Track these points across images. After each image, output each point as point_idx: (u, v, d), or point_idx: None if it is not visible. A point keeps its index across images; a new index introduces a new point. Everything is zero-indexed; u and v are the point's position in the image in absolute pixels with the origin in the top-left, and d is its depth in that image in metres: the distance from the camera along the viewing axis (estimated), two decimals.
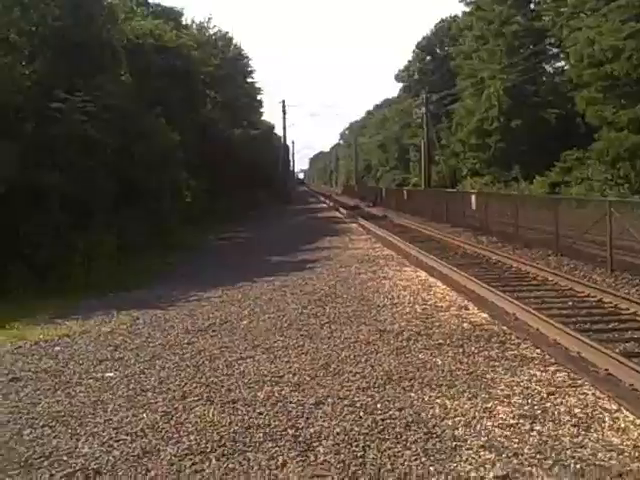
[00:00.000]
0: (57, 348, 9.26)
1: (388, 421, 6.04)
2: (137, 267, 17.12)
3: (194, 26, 44.84)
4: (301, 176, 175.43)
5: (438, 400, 6.52)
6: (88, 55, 19.46)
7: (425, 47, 74.27)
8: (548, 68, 48.90)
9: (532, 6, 49.46)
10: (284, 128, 68.95)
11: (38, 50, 19.07)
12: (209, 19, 49.17)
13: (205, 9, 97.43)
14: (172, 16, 36.66)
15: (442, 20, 73.08)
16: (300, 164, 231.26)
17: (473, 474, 5.00)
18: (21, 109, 17.44)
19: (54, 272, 15.13)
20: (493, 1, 50.44)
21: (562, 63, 47.27)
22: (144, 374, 7.79)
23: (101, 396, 7.08)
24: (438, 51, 71.97)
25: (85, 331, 10.32)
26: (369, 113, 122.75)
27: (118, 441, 5.85)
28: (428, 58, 73.92)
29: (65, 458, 5.55)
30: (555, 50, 46.96)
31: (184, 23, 40.49)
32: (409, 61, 78.70)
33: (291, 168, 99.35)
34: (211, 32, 48.80)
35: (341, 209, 47.49)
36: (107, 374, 7.88)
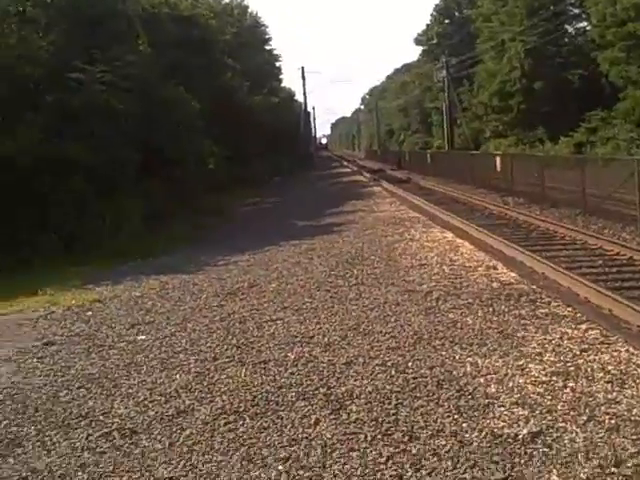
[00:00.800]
0: (89, 313, 9.39)
1: (419, 379, 6.02)
2: (163, 234, 17.23)
3: None
4: (324, 141, 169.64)
5: (469, 359, 6.49)
6: (104, 26, 19.43)
7: (443, 10, 73.09)
8: (570, 29, 47.98)
9: None
10: (304, 94, 68.73)
11: (54, 22, 19.02)
12: None
13: None
14: None
15: None
16: (322, 129, 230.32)
17: (506, 430, 4.97)
18: (41, 81, 17.48)
19: (82, 240, 15.32)
20: None
21: (584, 23, 46.37)
22: (175, 337, 7.87)
23: (134, 358, 7.16)
24: (457, 14, 70.84)
25: (116, 296, 10.45)
26: (389, 78, 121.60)
27: (152, 402, 5.92)
28: (447, 21, 72.77)
29: (101, 418, 5.64)
30: (576, 10, 46.06)
31: None
32: (428, 25, 77.52)
33: (313, 134, 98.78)
34: (227, 1, 48.47)
35: (365, 173, 47.25)
36: (139, 337, 7.97)
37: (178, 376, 6.51)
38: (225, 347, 7.31)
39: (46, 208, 15.61)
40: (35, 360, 7.33)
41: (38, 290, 11.05)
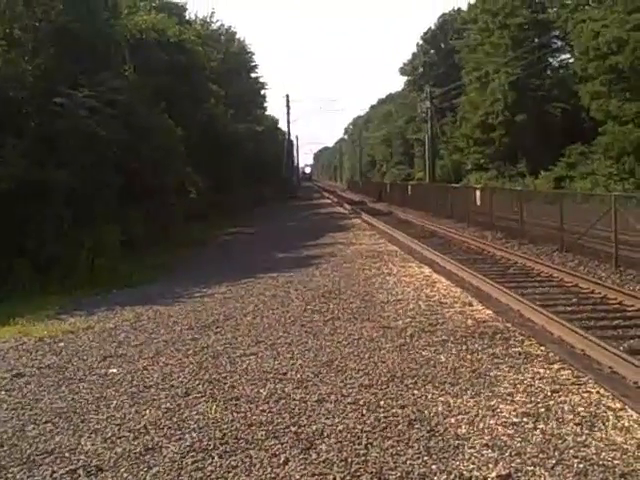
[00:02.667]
0: (61, 344, 9.28)
1: (391, 419, 6.01)
2: (141, 263, 17.13)
3: (197, 21, 44.75)
4: (308, 170, 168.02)
5: (441, 398, 6.49)
6: (91, 50, 19.46)
7: (430, 40, 74.03)
8: (553, 61, 48.78)
9: None
10: (288, 123, 69.05)
11: (41, 45, 19.03)
12: (212, 14, 49.26)
13: (208, 4, 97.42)
14: (175, 11, 36.53)
15: (446, 13, 72.96)
16: (304, 159, 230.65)
17: (476, 473, 4.97)
18: (25, 105, 17.43)
19: (58, 268, 15.15)
20: None
21: (567, 56, 47.17)
22: (147, 370, 7.80)
23: (104, 392, 7.09)
24: (442, 45, 71.75)
25: (89, 327, 10.35)
26: (373, 107, 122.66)
27: (120, 438, 5.85)
28: (432, 51, 73.67)
29: (67, 455, 5.56)
30: (560, 43, 46.87)
31: (187, 18, 40.38)
32: (413, 54, 78.51)
33: (296, 163, 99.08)
34: (214, 27, 48.81)
35: (345, 204, 47.45)
36: (110, 370, 7.88)
37: (148, 411, 6.45)
38: (197, 382, 7.26)
39: (24, 234, 15.47)
40: (3, 392, 7.22)
41: (9, 320, 10.92)
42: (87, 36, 19.14)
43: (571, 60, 45.41)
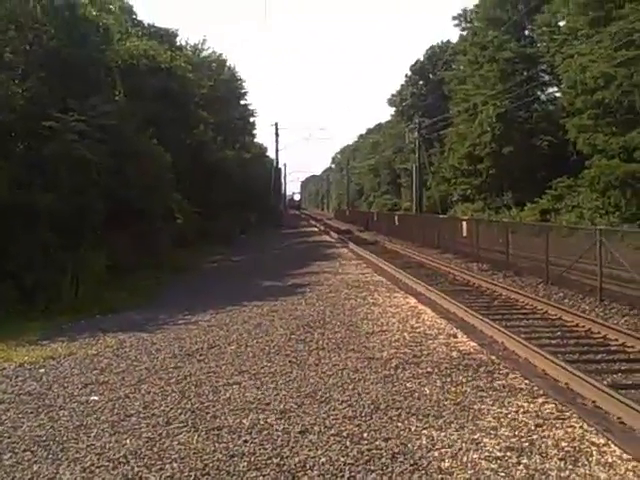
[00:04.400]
0: (42, 370, 9.18)
1: (374, 451, 5.97)
2: (126, 288, 17.02)
3: (188, 47, 44.99)
4: (297, 197, 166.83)
5: (425, 431, 6.46)
6: (82, 75, 19.52)
7: (418, 71, 74.71)
8: (541, 95, 49.28)
9: (526, 32, 49.94)
10: (276, 151, 69.07)
11: (32, 69, 19.06)
12: (203, 41, 49.41)
13: (200, 31, 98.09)
14: (166, 37, 36.80)
15: (435, 45, 73.74)
16: (292, 187, 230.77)
17: None
18: (13, 128, 17.42)
19: (42, 293, 15.03)
20: (487, 27, 50.97)
21: (555, 89, 47.70)
22: (129, 398, 7.72)
23: (84, 420, 7.00)
24: (431, 76, 72.41)
25: (71, 353, 10.25)
26: (361, 137, 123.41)
27: (100, 467, 5.78)
28: (421, 82, 74.31)
29: None
30: (548, 77, 47.37)
31: (178, 44, 40.62)
32: (402, 85, 79.19)
33: (283, 191, 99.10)
34: (205, 54, 49.03)
35: (332, 233, 47.48)
36: (91, 398, 7.80)
37: (128, 441, 6.37)
38: (179, 411, 7.19)
39: (8, 258, 15.37)
40: None
41: None
42: (78, 61, 19.21)
43: (558, 94, 45.91)
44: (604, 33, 35.09)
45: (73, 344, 10.96)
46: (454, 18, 58.67)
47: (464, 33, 57.70)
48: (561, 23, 44.31)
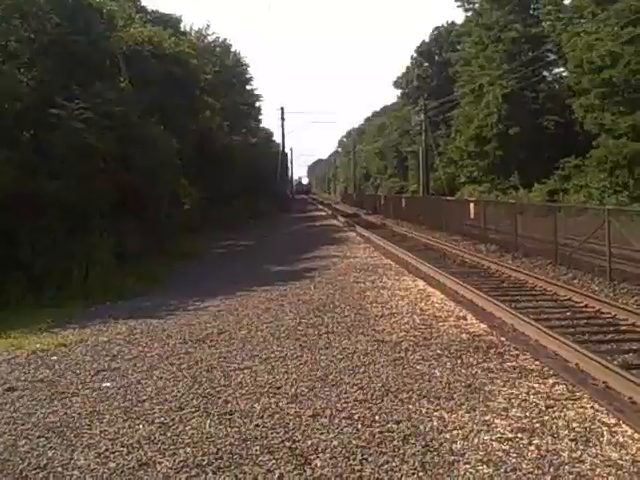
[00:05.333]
0: (54, 358, 9.24)
1: (386, 434, 6.00)
2: (135, 275, 17.06)
3: (192, 33, 44.85)
4: (305, 181, 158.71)
5: (436, 413, 6.48)
6: (87, 62, 19.51)
7: (424, 53, 74.20)
8: (547, 75, 48.95)
9: (531, 12, 49.53)
10: (283, 135, 69.06)
11: (37, 57, 19.07)
12: (207, 26, 49.19)
13: (204, 16, 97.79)
14: (170, 23, 36.65)
15: (440, 26, 73.23)
16: (298, 171, 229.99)
17: None
18: (19, 116, 17.42)
19: (51, 280, 15.11)
20: (492, 7, 50.59)
21: (561, 69, 47.39)
22: (141, 384, 7.76)
23: (97, 407, 7.05)
24: (437, 58, 71.97)
25: (82, 340, 10.30)
26: (367, 120, 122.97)
27: (114, 453, 5.82)
28: (426, 64, 73.85)
29: (60, 470, 5.53)
30: (554, 56, 47.03)
31: (182, 30, 40.49)
32: (407, 67, 78.69)
33: (290, 175, 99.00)
34: (210, 39, 48.90)
35: (340, 217, 47.44)
36: (104, 384, 7.85)
37: (141, 426, 6.42)
38: (191, 396, 7.23)
39: (16, 246, 15.43)
40: None
41: (2, 333, 10.88)
42: (82, 48, 19.19)
43: (565, 73, 45.63)
44: (610, 11, 34.81)
45: (84, 331, 11.02)
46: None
47: (469, 14, 57.18)
48: (566, 1, 44.02)
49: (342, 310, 11.85)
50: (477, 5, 55.01)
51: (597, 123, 36.44)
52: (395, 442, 5.82)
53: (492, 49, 49.58)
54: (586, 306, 12.68)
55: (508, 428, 6.05)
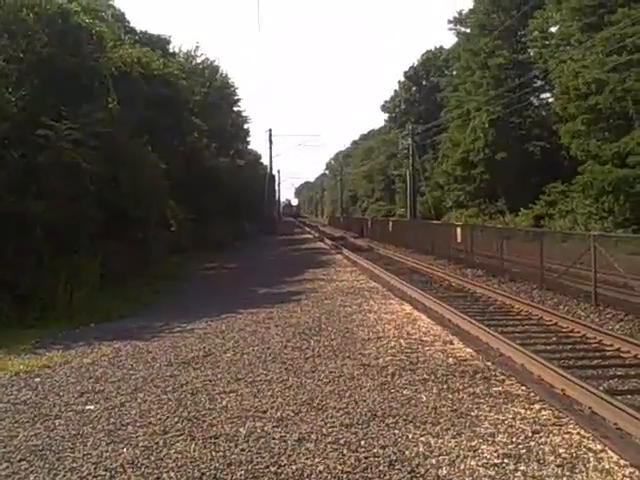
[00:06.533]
0: (37, 379, 9.13)
1: (371, 459, 5.95)
2: (121, 296, 16.99)
3: (181, 54, 45.06)
4: (294, 202, 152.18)
5: (422, 438, 6.44)
6: (76, 82, 19.50)
7: (412, 77, 74.90)
8: (534, 100, 49.48)
9: (518, 38, 50.14)
10: (270, 157, 68.99)
11: (25, 77, 19.05)
12: (196, 47, 49.49)
13: (193, 37, 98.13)
14: (159, 44, 36.82)
15: (429, 51, 73.97)
16: (286, 194, 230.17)
17: None
18: (7, 136, 17.38)
19: (36, 301, 14.99)
20: (480, 33, 51.18)
21: (547, 95, 47.95)
22: (125, 407, 7.68)
23: (81, 429, 6.96)
24: (424, 82, 72.60)
25: (66, 362, 10.20)
26: (355, 143, 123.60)
27: (97, 477, 5.74)
28: (414, 89, 74.47)
29: None
30: (540, 83, 47.60)
31: (171, 51, 40.67)
32: (395, 91, 79.41)
33: (277, 198, 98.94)
34: (198, 60, 49.09)
35: (326, 240, 47.47)
36: (87, 407, 7.76)
37: (125, 450, 6.34)
38: (175, 420, 7.16)
39: (1, 266, 15.31)
40: None
41: None
42: (71, 68, 19.20)
43: (551, 99, 46.12)
44: (596, 39, 35.30)
45: (68, 352, 10.92)
46: (449, 22, 58.82)
47: (458, 39, 57.86)
48: (553, 29, 44.61)
49: (328, 333, 11.81)
50: (468, 30, 55.70)
51: (583, 149, 36.82)
52: (381, 467, 5.78)
53: (479, 75, 50.12)
54: (572, 331, 12.74)
55: (494, 454, 6.02)
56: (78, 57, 19.71)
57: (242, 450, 6.24)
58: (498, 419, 6.92)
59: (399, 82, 78.13)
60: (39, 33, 19.12)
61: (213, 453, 6.19)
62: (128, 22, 35.86)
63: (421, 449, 6.17)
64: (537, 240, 20.83)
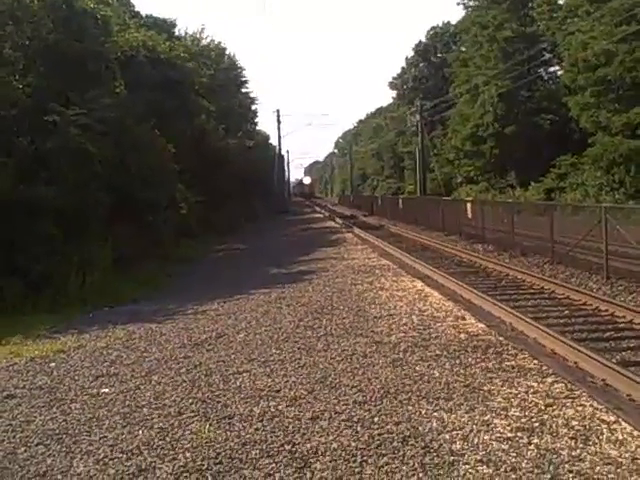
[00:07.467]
0: (52, 364, 9.22)
1: (385, 436, 5.97)
2: (133, 280, 17.09)
3: (187, 37, 44.87)
4: (307, 181, 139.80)
5: (435, 414, 6.46)
6: (82, 68, 19.50)
7: (420, 53, 74.27)
8: (542, 73, 49.06)
9: (526, 11, 49.62)
10: (279, 137, 68.86)
11: (32, 64, 19.07)
12: (202, 30, 49.19)
13: (198, 19, 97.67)
14: (165, 27, 36.72)
15: (436, 26, 73.29)
16: (295, 173, 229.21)
17: None
18: (15, 123, 17.42)
19: (49, 286, 15.10)
20: (488, 5, 50.69)
21: (556, 67, 47.53)
22: (140, 390, 7.74)
23: (96, 413, 7.02)
24: (433, 58, 72.02)
25: (80, 346, 10.29)
26: (363, 121, 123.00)
27: (113, 459, 5.79)
28: (422, 64, 73.90)
29: (59, 477, 5.50)
30: (549, 55, 47.16)
31: (177, 34, 40.52)
32: (403, 68, 78.75)
33: (287, 177, 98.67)
34: (204, 43, 48.84)
35: (337, 219, 47.42)
36: (102, 390, 7.82)
37: (141, 432, 6.39)
38: (190, 401, 7.21)
39: (13, 252, 15.41)
40: None
41: (1, 340, 10.87)
42: (77, 54, 19.19)
43: (560, 72, 45.73)
44: (604, 9, 34.91)
45: (82, 337, 11.01)
46: None
47: (467, 11, 57.23)
48: (561, 1, 44.12)
49: (340, 312, 11.83)
50: (475, 3, 55.15)
51: (593, 121, 36.54)
52: (395, 443, 5.80)
53: (487, 49, 49.69)
54: (584, 304, 12.70)
55: (508, 427, 6.03)
56: (84, 42, 19.69)
57: (256, 430, 6.27)
58: (511, 393, 6.93)
59: (407, 58, 77.59)
60: (44, 19, 19.10)
61: (228, 433, 6.23)
62: (133, 6, 35.81)
63: (434, 425, 6.18)
64: (548, 213, 20.71)
